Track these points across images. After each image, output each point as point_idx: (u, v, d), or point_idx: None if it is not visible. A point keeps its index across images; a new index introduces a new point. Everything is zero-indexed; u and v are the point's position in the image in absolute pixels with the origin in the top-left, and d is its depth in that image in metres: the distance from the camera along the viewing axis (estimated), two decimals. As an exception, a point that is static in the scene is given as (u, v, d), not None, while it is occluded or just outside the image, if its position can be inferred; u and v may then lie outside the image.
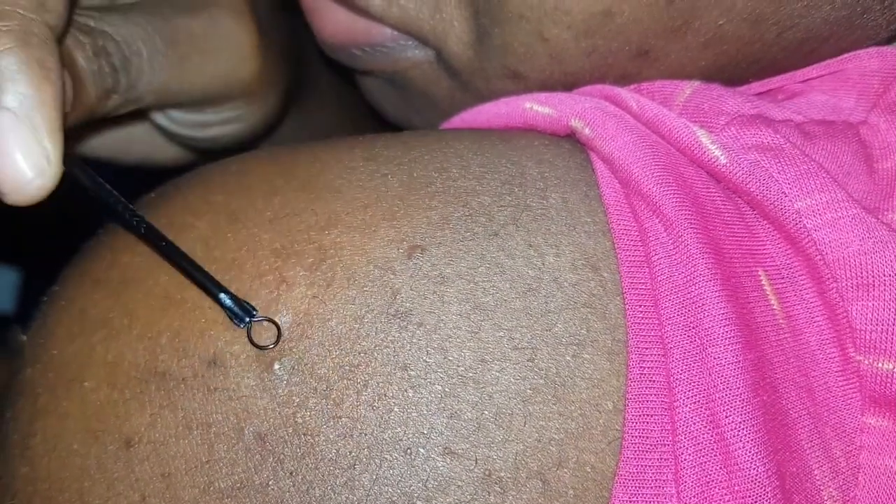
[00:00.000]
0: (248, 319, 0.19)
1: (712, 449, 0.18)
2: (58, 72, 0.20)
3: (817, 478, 0.19)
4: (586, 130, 0.22)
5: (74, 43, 0.23)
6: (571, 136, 0.23)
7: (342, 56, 0.29)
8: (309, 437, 0.19)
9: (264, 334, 0.19)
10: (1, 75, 0.19)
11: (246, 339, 0.19)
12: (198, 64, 0.28)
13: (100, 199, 0.21)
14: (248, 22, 0.30)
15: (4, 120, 0.19)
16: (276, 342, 0.19)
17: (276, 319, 0.19)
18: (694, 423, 0.19)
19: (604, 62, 0.24)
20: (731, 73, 0.25)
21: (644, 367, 0.19)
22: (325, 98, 0.41)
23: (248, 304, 0.19)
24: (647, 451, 0.19)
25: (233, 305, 0.19)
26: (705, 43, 0.23)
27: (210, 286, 0.19)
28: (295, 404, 0.19)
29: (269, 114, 0.33)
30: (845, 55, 0.25)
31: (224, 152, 0.34)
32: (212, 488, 0.18)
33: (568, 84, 0.25)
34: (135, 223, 0.20)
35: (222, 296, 0.19)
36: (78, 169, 0.21)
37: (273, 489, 0.18)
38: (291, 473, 0.18)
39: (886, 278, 0.20)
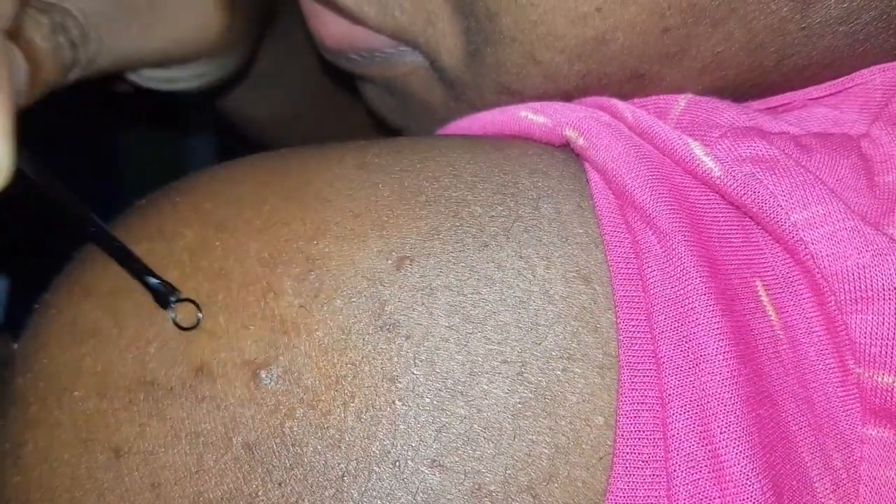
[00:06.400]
0: (172, 300, 0.20)
1: (705, 465, 0.18)
2: (6, 74, 0.20)
3: (818, 491, 0.19)
4: (581, 140, 0.22)
5: (31, 24, 0.23)
6: (566, 146, 0.23)
7: (341, 61, 0.29)
8: (297, 448, 0.18)
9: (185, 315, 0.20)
10: None
11: (233, 346, 0.19)
12: (159, 31, 0.28)
13: (50, 195, 0.21)
14: None
15: None
16: (198, 323, 0.20)
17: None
18: (686, 439, 0.18)
19: (598, 83, 0.24)
20: (729, 96, 0.24)
21: (636, 382, 0.19)
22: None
23: (172, 285, 0.20)
24: (638, 468, 0.18)
25: (159, 286, 0.20)
26: (702, 69, 0.23)
27: (136, 267, 0.20)
28: (282, 414, 0.19)
29: (239, 63, 0.33)
30: (847, 77, 0.24)
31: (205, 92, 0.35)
32: (201, 499, 0.18)
33: (564, 100, 0.25)
34: (84, 220, 0.21)
35: (148, 278, 0.20)
36: (27, 164, 0.21)
37: (262, 500, 0.18)
38: (280, 484, 0.18)
39: (886, 292, 0.19)
